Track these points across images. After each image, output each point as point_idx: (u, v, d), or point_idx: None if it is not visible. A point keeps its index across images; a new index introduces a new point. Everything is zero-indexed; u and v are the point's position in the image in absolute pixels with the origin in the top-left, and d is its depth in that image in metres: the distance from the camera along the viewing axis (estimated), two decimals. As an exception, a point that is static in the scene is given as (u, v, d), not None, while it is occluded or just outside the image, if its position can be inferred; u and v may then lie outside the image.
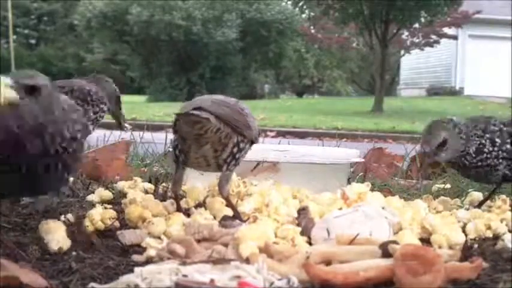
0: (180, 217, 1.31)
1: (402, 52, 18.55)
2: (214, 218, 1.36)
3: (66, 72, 35.52)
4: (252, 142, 1.41)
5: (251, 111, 1.43)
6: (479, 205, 1.59)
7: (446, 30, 16.49)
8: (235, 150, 1.34)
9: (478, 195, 1.70)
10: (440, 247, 1.26)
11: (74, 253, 1.13)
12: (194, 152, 1.33)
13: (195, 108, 1.26)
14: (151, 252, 1.13)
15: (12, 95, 0.99)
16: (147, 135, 2.66)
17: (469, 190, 1.84)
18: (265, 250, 1.09)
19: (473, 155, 1.51)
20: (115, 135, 2.42)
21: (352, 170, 2.08)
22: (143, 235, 1.24)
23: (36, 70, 1.16)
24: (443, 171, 2.17)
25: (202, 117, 1.24)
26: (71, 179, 1.85)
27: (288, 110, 14.54)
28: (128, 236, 1.24)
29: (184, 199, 1.52)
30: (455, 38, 18.31)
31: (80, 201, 1.61)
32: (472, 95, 19.55)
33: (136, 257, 1.13)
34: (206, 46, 21.49)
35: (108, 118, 2.16)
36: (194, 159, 1.35)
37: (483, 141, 1.51)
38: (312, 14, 17.67)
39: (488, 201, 1.61)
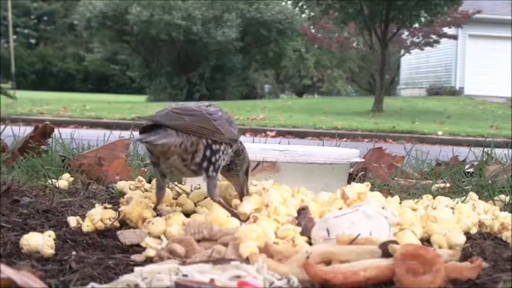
0: (180, 217, 1.31)
1: (402, 52, 18.57)
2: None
3: (66, 72, 35.59)
4: (231, 144, 1.40)
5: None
6: None
7: (446, 30, 16.51)
8: (208, 153, 1.33)
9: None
10: (440, 247, 1.26)
11: (74, 253, 1.13)
12: (163, 163, 1.33)
13: (154, 126, 1.26)
14: (151, 252, 1.13)
15: None
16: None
17: (467, 187, 1.85)
18: (265, 250, 1.09)
19: None
20: (115, 135, 2.42)
21: (352, 170, 2.08)
22: (143, 235, 1.24)
23: (36, 70, 1.16)
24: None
25: (157, 143, 1.25)
26: (71, 178, 1.85)
27: (288, 110, 14.54)
28: (127, 236, 1.24)
29: (186, 199, 1.52)
30: (455, 38, 18.33)
31: (80, 201, 1.61)
32: (472, 95, 19.57)
33: (136, 257, 1.13)
34: (206, 46, 21.51)
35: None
36: (166, 169, 1.35)
37: None
38: (312, 14, 17.67)
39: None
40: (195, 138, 1.30)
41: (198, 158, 1.32)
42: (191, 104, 1.37)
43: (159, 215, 1.40)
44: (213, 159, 1.34)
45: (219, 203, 1.38)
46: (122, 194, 1.70)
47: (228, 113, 1.43)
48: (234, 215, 1.36)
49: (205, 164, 1.33)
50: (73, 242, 1.22)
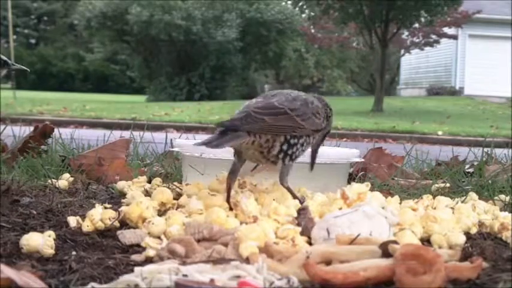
0: (180, 217, 1.31)
1: (402, 52, 18.57)
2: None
3: (66, 72, 35.58)
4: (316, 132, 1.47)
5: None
6: None
7: (446, 30, 16.50)
8: (284, 147, 1.41)
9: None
10: (440, 247, 1.26)
11: (74, 253, 1.13)
12: (244, 155, 1.43)
13: (226, 129, 1.31)
14: (151, 252, 1.13)
15: None
16: (147, 135, 2.66)
17: (467, 187, 1.85)
18: (265, 250, 1.09)
19: None
20: (115, 135, 2.42)
21: (352, 170, 2.08)
22: (143, 235, 1.24)
23: (36, 70, 1.17)
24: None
25: (222, 147, 1.32)
26: (71, 178, 1.85)
27: (288, 109, 14.49)
28: (128, 236, 1.24)
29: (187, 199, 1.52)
30: (455, 38, 18.32)
31: (80, 201, 1.61)
32: (472, 95, 19.57)
33: (136, 257, 1.13)
34: (206, 46, 21.50)
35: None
36: (247, 158, 1.45)
37: None
38: (312, 13, 17.66)
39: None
40: (271, 136, 1.38)
41: (275, 151, 1.40)
42: (275, 99, 1.42)
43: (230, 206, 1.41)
44: (290, 152, 1.42)
45: (287, 188, 1.46)
46: (122, 194, 1.70)
47: (315, 101, 1.48)
48: (297, 198, 1.44)
49: (281, 155, 1.42)
50: (73, 242, 1.22)
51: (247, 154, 1.42)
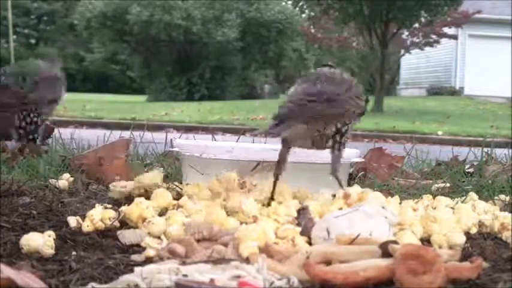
0: (180, 217, 1.31)
1: (402, 52, 18.55)
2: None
3: (66, 72, 35.59)
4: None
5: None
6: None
7: (446, 30, 16.49)
8: (337, 137, 1.42)
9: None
10: (440, 247, 1.26)
11: (74, 253, 1.13)
12: (295, 143, 1.44)
13: (278, 123, 1.34)
14: (151, 252, 1.13)
15: None
16: (147, 135, 2.66)
17: (467, 187, 1.85)
18: (265, 250, 1.09)
19: None
20: (115, 135, 2.42)
21: (352, 170, 2.08)
22: (143, 235, 1.24)
23: (36, 70, 1.17)
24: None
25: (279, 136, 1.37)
26: (71, 178, 1.85)
27: (288, 109, 14.46)
28: (127, 236, 1.24)
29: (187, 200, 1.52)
30: (455, 37, 18.30)
31: (80, 201, 1.61)
32: (472, 95, 19.57)
33: (136, 257, 1.13)
34: (206, 46, 21.49)
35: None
36: (297, 146, 1.45)
37: None
38: (312, 13, 17.64)
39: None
40: (322, 127, 1.39)
41: (329, 143, 1.42)
42: (324, 86, 1.41)
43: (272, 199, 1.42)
44: (342, 140, 1.44)
45: (337, 178, 1.48)
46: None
47: (354, 82, 1.47)
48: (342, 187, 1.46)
49: (336, 146, 1.44)
50: (73, 242, 1.22)
51: (298, 143, 1.42)
